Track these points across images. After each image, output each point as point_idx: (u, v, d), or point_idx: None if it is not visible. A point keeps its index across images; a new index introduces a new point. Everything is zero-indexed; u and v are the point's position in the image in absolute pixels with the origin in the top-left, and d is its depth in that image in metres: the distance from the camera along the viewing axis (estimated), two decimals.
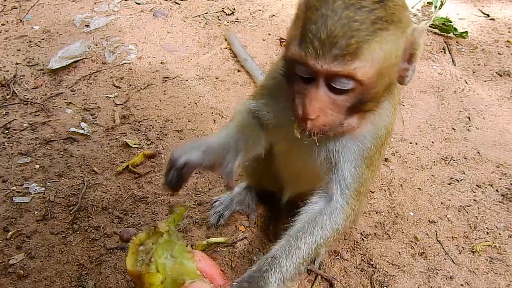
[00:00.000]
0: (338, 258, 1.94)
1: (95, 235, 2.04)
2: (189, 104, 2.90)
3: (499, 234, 2.04)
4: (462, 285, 1.83)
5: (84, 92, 2.99)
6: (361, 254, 1.97)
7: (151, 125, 2.72)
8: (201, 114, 2.81)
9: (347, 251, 1.97)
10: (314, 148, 1.40)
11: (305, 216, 1.48)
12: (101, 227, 2.08)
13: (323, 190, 1.49)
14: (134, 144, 2.58)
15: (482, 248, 1.96)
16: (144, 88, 3.05)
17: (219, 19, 3.89)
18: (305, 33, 1.13)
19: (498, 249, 1.97)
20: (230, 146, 1.44)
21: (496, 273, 1.87)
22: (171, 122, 2.75)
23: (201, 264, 0.96)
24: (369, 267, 1.92)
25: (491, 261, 1.92)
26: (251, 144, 1.53)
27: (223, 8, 4.01)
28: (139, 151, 2.50)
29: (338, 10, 1.09)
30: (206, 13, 3.96)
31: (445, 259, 1.94)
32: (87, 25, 3.77)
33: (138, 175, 2.37)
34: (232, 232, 2.09)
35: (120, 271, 1.89)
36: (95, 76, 3.16)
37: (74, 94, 2.97)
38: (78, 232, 2.05)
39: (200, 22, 3.83)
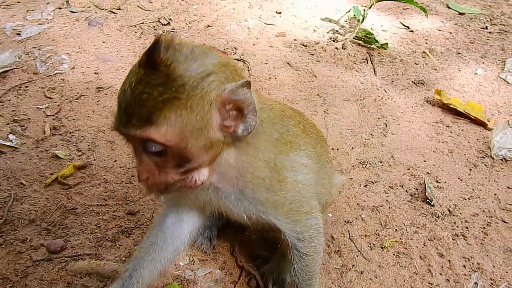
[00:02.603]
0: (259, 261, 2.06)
1: (21, 248, 2.04)
2: None
3: (406, 230, 2.23)
4: (371, 278, 2.00)
5: (13, 103, 2.95)
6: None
7: (82, 136, 2.73)
8: None
9: (270, 251, 2.10)
10: (228, 209, 1.51)
11: (287, 264, 1.68)
12: (28, 240, 2.08)
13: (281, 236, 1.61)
14: (65, 156, 2.58)
15: (390, 244, 2.15)
16: (76, 99, 3.05)
17: (155, 29, 3.94)
18: (117, 104, 1.26)
19: (404, 244, 2.16)
20: None
21: (401, 266, 2.05)
22: (104, 133, 2.77)
23: None
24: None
25: (398, 255, 2.11)
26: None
27: (159, 18, 4.06)
28: (69, 163, 2.51)
29: (128, 91, 1.21)
30: (142, 23, 4.00)
31: (357, 255, 2.10)
32: (19, 34, 3.71)
33: (68, 186, 2.38)
34: None
35: (46, 282, 1.91)
36: (25, 87, 3.12)
37: (2, 105, 2.93)
38: (3, 246, 2.04)
39: (136, 32, 3.86)
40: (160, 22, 4.03)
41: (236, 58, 3.59)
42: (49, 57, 3.44)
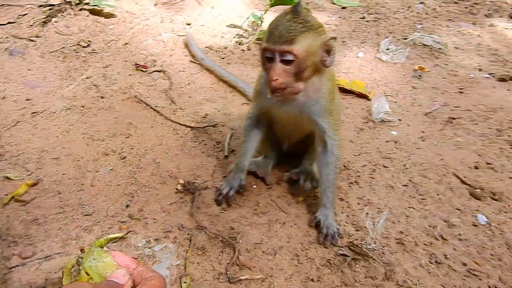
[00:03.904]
0: (204, 231, 2.54)
1: None
2: (61, 134, 3.24)
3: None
4: (291, 226, 2.55)
5: None
6: (222, 223, 2.60)
7: (28, 158, 3.00)
8: (74, 141, 3.17)
9: (210, 223, 2.59)
10: (298, 114, 2.38)
11: (321, 166, 2.52)
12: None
13: (318, 141, 2.49)
14: (15, 177, 2.85)
15: (302, 198, 2.73)
16: (14, 125, 3.29)
17: (76, 52, 4.22)
18: (270, 34, 2.12)
19: (313, 197, 2.76)
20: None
21: (313, 213, 2.62)
22: (47, 152, 3.05)
23: (116, 258, 1.38)
24: (228, 229, 2.55)
25: (310, 206, 2.69)
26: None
27: (78, 42, 4.33)
28: (21, 182, 2.79)
29: (284, 22, 2.09)
30: (63, 47, 4.26)
31: (279, 212, 2.65)
32: None
33: (25, 202, 2.65)
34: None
35: (25, 282, 2.21)
36: None
37: None
38: None
39: (58, 57, 4.12)
40: (80, 45, 4.31)
41: (157, 69, 4.02)
42: None
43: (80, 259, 1.39)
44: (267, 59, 2.16)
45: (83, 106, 3.53)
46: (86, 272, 1.32)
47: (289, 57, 2.08)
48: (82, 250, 1.42)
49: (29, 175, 2.90)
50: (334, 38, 2.16)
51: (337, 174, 2.53)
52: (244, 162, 2.71)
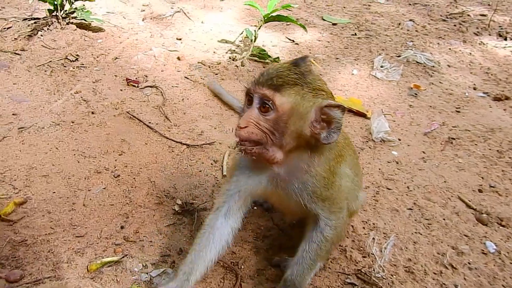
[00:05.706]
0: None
1: None
2: (50, 150, 3.10)
3: None
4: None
5: None
6: None
7: (15, 175, 2.87)
8: (64, 157, 3.05)
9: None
10: (285, 196, 1.96)
11: (303, 239, 2.09)
12: None
13: (311, 218, 2.06)
14: (2, 195, 2.71)
15: None
16: (0, 141, 3.15)
17: (64, 66, 4.10)
18: (260, 75, 1.79)
19: None
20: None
21: None
22: (36, 169, 2.93)
23: None
24: (230, 254, 2.42)
25: None
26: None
27: (66, 55, 4.21)
28: (8, 200, 2.65)
29: (278, 68, 1.78)
30: (50, 61, 4.13)
31: (281, 236, 2.57)
32: None
33: (12, 222, 2.52)
34: None
35: None
36: None
37: None
38: None
39: (45, 71, 3.99)
40: (68, 59, 4.18)
41: (149, 85, 3.91)
42: None
43: None
44: (247, 102, 1.82)
45: (73, 122, 3.40)
46: None
47: (269, 105, 1.73)
48: None
49: (16, 193, 2.75)
50: (339, 107, 1.73)
51: (319, 256, 2.10)
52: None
